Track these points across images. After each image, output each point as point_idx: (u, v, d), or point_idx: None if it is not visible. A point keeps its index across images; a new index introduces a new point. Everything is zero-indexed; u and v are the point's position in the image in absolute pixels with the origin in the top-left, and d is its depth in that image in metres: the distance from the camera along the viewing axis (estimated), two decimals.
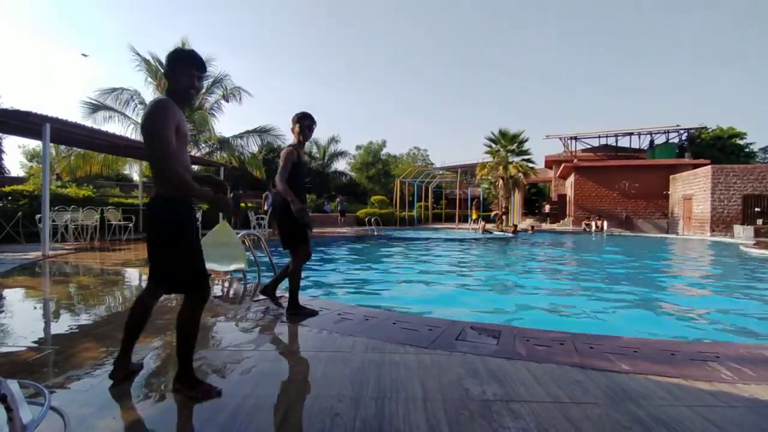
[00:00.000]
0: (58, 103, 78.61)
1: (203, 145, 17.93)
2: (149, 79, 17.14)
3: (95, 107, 15.70)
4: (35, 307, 4.02)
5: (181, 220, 1.92)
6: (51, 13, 73.84)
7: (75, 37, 77.57)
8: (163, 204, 1.91)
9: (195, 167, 22.79)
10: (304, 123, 3.35)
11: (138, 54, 16.71)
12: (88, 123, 13.33)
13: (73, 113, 33.14)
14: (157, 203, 1.92)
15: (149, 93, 17.37)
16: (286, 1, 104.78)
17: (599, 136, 26.83)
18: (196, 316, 1.98)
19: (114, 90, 16.25)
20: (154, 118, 1.83)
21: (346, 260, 9.30)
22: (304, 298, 4.17)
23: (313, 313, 3.48)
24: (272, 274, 5.41)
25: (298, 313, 3.45)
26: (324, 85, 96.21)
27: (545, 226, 24.64)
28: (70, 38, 77.64)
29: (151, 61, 16.95)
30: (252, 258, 5.86)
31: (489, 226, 20.12)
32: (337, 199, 22.15)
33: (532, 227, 21.18)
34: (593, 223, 21.05)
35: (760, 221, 16.56)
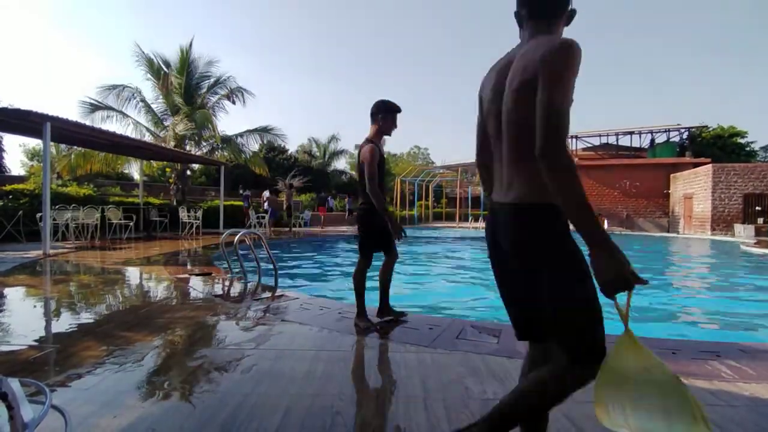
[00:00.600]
0: (57, 102, 78.74)
1: (204, 143, 17.95)
2: (149, 75, 17.13)
3: (94, 107, 15.68)
4: (36, 306, 4.03)
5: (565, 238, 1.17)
6: (51, 12, 73.85)
7: (75, 37, 77.60)
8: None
9: (195, 166, 22.93)
10: (393, 115, 3.02)
11: (142, 52, 16.73)
12: (87, 122, 13.33)
13: (73, 113, 33.25)
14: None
15: (150, 90, 17.42)
16: (286, 1, 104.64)
17: (600, 135, 26.78)
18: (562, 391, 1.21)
19: (115, 87, 16.20)
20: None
21: (346, 259, 9.29)
22: (304, 297, 4.18)
23: (402, 314, 3.27)
24: (273, 274, 5.42)
25: (389, 315, 3.21)
26: (324, 84, 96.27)
27: None
28: (70, 38, 77.65)
29: (154, 59, 16.94)
30: (252, 257, 5.88)
31: None
32: (346, 199, 25.09)
33: None
34: None
35: (760, 220, 16.54)
